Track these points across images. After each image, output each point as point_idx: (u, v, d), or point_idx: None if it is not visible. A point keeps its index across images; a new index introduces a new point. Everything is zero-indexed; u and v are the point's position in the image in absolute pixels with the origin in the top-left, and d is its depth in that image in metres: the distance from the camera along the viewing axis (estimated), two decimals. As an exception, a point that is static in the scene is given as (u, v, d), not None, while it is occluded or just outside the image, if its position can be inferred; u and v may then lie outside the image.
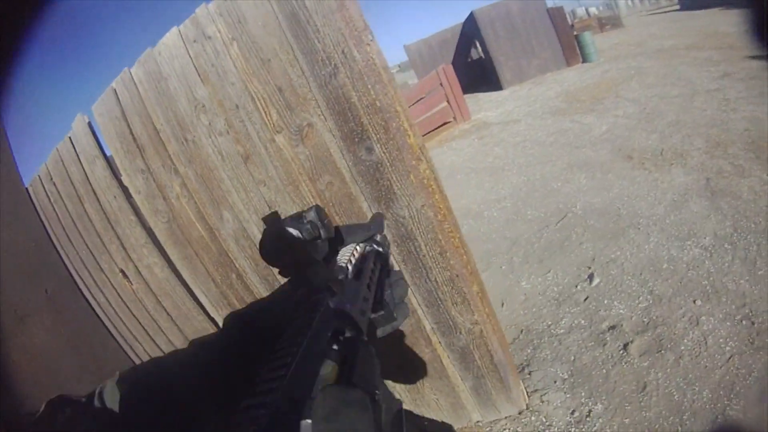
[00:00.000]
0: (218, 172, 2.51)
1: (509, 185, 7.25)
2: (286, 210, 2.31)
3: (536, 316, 4.27)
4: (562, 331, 3.95)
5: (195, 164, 2.59)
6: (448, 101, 13.12)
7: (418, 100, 13.44)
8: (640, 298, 3.89)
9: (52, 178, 4.16)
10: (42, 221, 4.53)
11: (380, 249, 1.13)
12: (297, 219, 0.94)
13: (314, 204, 0.99)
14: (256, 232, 2.39)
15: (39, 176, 4.27)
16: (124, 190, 3.18)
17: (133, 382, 0.85)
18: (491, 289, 4.72)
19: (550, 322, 4.12)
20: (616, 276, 4.30)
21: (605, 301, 4.03)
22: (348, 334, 0.73)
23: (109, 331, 4.75)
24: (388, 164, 2.24)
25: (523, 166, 7.76)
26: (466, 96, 16.88)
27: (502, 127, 10.81)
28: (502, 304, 4.68)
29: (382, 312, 0.97)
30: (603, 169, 6.58)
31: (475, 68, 17.93)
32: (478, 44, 17.28)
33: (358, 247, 1.06)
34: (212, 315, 3.36)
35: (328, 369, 0.62)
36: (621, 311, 3.84)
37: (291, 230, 0.91)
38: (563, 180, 6.65)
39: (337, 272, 0.87)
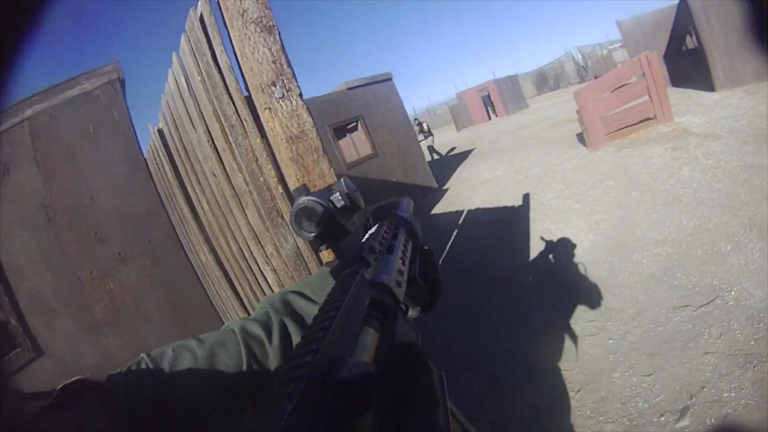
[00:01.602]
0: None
1: (677, 226, 6.56)
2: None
3: (594, 430, 3.85)
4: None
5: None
6: (650, 95, 11.86)
7: (617, 89, 12.44)
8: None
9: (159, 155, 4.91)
10: (155, 186, 5.55)
11: (410, 226, 1.14)
12: (325, 191, 0.93)
13: (343, 176, 0.99)
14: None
15: (151, 148, 5.28)
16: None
17: (152, 379, 0.84)
18: (584, 362, 4.69)
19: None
20: (707, 429, 3.46)
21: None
22: (385, 304, 0.71)
23: (201, 282, 5.61)
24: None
25: (702, 205, 6.90)
26: (676, 90, 15.57)
27: (701, 141, 9.76)
28: (578, 390, 4.32)
29: (417, 289, 0.98)
30: None
31: (689, 59, 16.04)
32: (693, 31, 15.01)
33: (388, 224, 1.09)
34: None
35: (369, 337, 0.61)
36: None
37: (319, 200, 0.89)
38: (735, 243, 5.57)
39: (370, 245, 0.90)
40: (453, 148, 27.64)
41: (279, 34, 2.09)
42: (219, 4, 2.09)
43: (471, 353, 5.47)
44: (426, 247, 1.20)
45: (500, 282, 7.08)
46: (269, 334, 0.98)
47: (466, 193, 13.82)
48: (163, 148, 4.66)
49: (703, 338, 4.30)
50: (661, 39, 17.69)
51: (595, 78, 18.76)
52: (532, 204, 10.17)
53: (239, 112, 2.45)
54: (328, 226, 0.88)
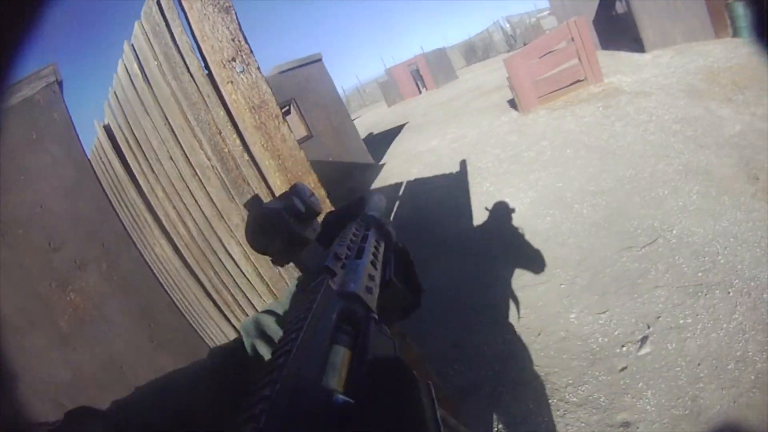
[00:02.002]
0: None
1: (614, 177, 6.85)
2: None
3: (561, 367, 4.01)
4: (574, 399, 3.66)
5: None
6: (579, 59, 12.23)
7: (546, 54, 12.73)
8: (679, 401, 3.26)
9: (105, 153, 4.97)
10: (102, 187, 5.52)
11: (380, 225, 1.11)
12: (279, 198, 0.91)
13: (297, 182, 0.97)
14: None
15: (96, 147, 5.32)
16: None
17: (150, 400, 0.89)
18: (540, 308, 4.86)
19: (570, 381, 3.83)
20: (670, 353, 3.64)
21: (639, 384, 3.52)
22: (356, 315, 0.68)
23: (159, 280, 5.62)
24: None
25: (636, 156, 7.21)
26: (607, 53, 16.13)
27: (632, 98, 10.12)
28: (539, 334, 4.50)
29: (395, 291, 0.96)
30: (720, 185, 5.63)
31: (618, 23, 16.51)
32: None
33: (356, 227, 1.04)
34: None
35: (339, 355, 0.57)
36: (648, 407, 3.33)
37: (273, 207, 0.86)
38: (672, 188, 5.90)
39: (336, 252, 0.83)
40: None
41: (236, 14, 2.18)
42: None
43: (429, 315, 5.51)
44: (401, 245, 1.19)
45: (446, 245, 7.26)
46: (243, 358, 0.99)
47: (404, 166, 14.06)
48: (110, 144, 4.65)
49: (650, 274, 4.57)
50: (589, 5, 18.13)
51: (524, 46, 19.09)
52: (470, 169, 10.40)
53: (201, 88, 2.49)
54: (287, 238, 0.85)
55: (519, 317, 4.84)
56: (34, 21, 0.75)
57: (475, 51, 47.44)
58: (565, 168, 7.86)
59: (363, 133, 23.57)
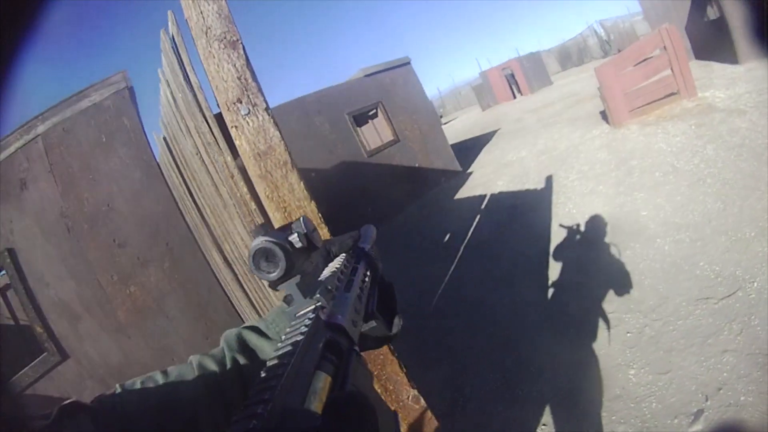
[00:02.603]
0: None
1: (701, 209, 6.31)
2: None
3: (607, 429, 3.73)
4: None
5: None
6: (672, 69, 11.48)
7: (638, 63, 12.12)
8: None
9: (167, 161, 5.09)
10: (171, 191, 5.66)
11: (370, 259, 1.16)
12: (284, 230, 0.91)
13: (302, 215, 0.96)
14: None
15: (161, 154, 5.49)
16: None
17: (141, 395, 0.93)
18: (600, 357, 4.53)
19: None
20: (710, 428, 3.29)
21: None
22: (340, 346, 0.73)
23: (219, 282, 5.70)
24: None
25: (727, 185, 6.60)
26: (700, 63, 15.08)
27: (725, 116, 9.39)
28: (594, 387, 4.20)
29: (374, 324, 0.99)
30: None
31: (711, 30, 15.22)
32: (713, 2, 14.32)
33: (347, 259, 1.09)
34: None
35: (321, 382, 0.62)
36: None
37: (278, 241, 0.85)
38: (760, 229, 5.22)
39: (327, 284, 0.89)
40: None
41: (243, 48, 2.09)
42: (187, 23, 2.08)
43: (488, 341, 5.45)
44: (386, 280, 1.23)
45: (521, 267, 7.03)
46: (223, 370, 1.01)
47: (490, 176, 13.65)
48: (169, 155, 4.74)
49: (723, 334, 4.09)
50: (681, 10, 16.94)
51: (619, 51, 18.43)
52: (555, 186, 10.05)
53: (212, 129, 2.47)
54: (286, 267, 0.85)
55: (577, 363, 4.57)
56: (35, 20, 0.77)
57: (569, 56, 46.47)
58: (652, 194, 7.40)
59: (455, 138, 23.49)
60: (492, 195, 11.79)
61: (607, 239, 6.72)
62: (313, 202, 2.23)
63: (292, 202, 2.17)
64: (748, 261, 4.85)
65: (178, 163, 4.37)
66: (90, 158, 5.58)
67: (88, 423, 0.82)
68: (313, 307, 0.79)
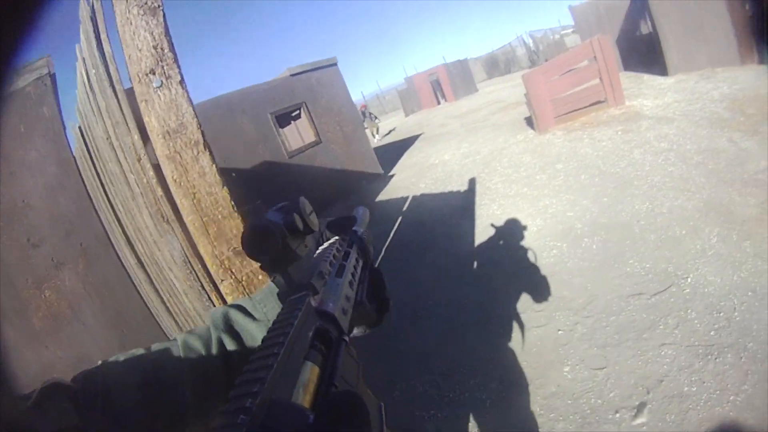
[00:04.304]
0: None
1: (629, 209, 6.37)
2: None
3: (546, 428, 3.61)
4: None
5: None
6: (601, 79, 11.70)
7: (567, 72, 12.30)
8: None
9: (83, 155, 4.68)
10: (86, 187, 5.21)
11: (362, 244, 1.16)
12: (281, 210, 0.89)
13: (300, 196, 0.94)
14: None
15: (77, 147, 5.03)
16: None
17: (123, 373, 0.90)
18: (533, 355, 4.46)
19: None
20: (668, 426, 3.22)
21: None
22: (330, 334, 0.73)
23: (134, 285, 5.29)
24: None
25: (655, 188, 6.69)
26: (629, 74, 15.62)
27: (653, 123, 9.60)
28: (527, 385, 4.10)
29: (362, 310, 0.97)
30: (742, 229, 5.05)
31: (642, 44, 15.65)
32: (648, 17, 14.54)
33: (340, 242, 1.09)
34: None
35: (309, 372, 0.61)
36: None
37: (275, 221, 0.83)
38: (691, 227, 5.37)
39: (320, 268, 0.89)
40: (393, 129, 30.88)
41: (164, 15, 1.85)
42: (108, -14, 1.84)
43: (416, 346, 5.28)
44: (376, 266, 1.20)
45: (445, 270, 6.89)
46: (208, 349, 0.99)
47: (412, 179, 13.71)
48: (83, 146, 4.41)
49: (658, 328, 4.08)
50: (614, 24, 17.62)
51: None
52: (479, 189, 10.01)
53: (122, 106, 2.21)
54: (282, 250, 0.82)
55: (508, 363, 4.44)
56: (33, 16, 0.76)
57: (497, 64, 47.02)
58: (578, 196, 7.43)
59: (378, 141, 23.64)
60: (414, 197, 11.74)
61: (532, 239, 6.70)
62: (225, 188, 2.02)
63: (203, 188, 1.96)
64: (680, 258, 4.93)
65: (92, 153, 4.05)
66: (9, 149, 5.17)
67: (68, 405, 0.79)
68: (304, 293, 0.76)
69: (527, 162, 10.42)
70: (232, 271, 1.98)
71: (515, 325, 4.90)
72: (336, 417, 0.52)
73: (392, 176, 15.34)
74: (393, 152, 19.33)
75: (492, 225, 7.62)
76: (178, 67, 1.85)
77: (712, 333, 3.81)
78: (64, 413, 0.78)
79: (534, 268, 5.80)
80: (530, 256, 6.10)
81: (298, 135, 14.34)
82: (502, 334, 4.85)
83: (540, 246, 6.31)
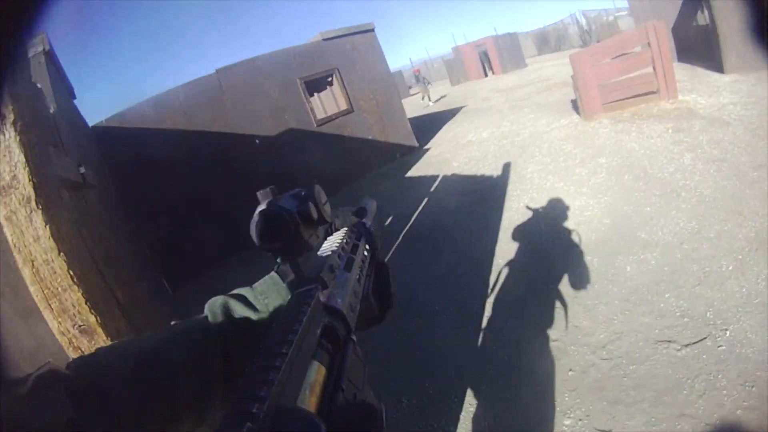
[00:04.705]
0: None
1: (672, 227, 5.53)
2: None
3: None
4: None
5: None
6: (654, 67, 10.71)
7: (618, 56, 11.38)
8: None
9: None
10: None
11: (371, 237, 1.12)
12: (296, 196, 0.87)
13: (315, 182, 0.92)
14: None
15: None
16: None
17: (118, 362, 0.85)
18: (534, 397, 3.84)
19: None
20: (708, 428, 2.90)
21: None
22: (337, 332, 0.69)
23: None
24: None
25: (704, 204, 5.83)
26: (683, 66, 14.53)
27: (706, 125, 8.62)
28: None
29: (367, 306, 0.93)
30: None
31: (698, 36, 14.47)
32: (706, 7, 13.37)
33: (349, 234, 1.04)
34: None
35: (315, 373, 0.58)
36: None
37: (289, 208, 0.81)
38: (738, 264, 4.48)
39: (329, 261, 0.82)
40: (445, 95, 30.28)
41: None
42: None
43: (408, 358, 4.81)
44: (383, 261, 1.14)
45: (461, 268, 6.32)
46: (206, 341, 0.90)
47: (447, 155, 13.01)
48: None
49: (682, 393, 3.36)
50: (669, 11, 16.36)
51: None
52: (512, 176, 9.32)
53: None
54: (293, 239, 0.81)
55: (506, 402, 3.81)
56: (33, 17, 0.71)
57: (547, 41, 45.86)
58: (619, 200, 6.65)
59: (419, 111, 23.49)
60: (444, 177, 11.08)
61: (561, 247, 5.98)
62: (62, 254, 1.62)
63: (39, 255, 1.61)
64: (722, 301, 4.12)
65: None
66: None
67: (63, 395, 0.72)
68: (314, 286, 0.71)
69: (568, 151, 9.63)
70: (81, 351, 1.67)
71: (523, 355, 4.28)
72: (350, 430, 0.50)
73: (427, 150, 14.69)
74: (432, 123, 18.59)
75: (518, 224, 6.96)
76: (11, 101, 1.52)
77: (739, 412, 3.11)
78: (59, 404, 0.70)
79: (556, 284, 5.10)
80: (556, 269, 5.39)
81: (329, 102, 13.80)
82: (507, 362, 4.25)
83: (569, 257, 5.63)
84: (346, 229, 1.05)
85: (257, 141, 11.44)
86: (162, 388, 0.82)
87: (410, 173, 12.58)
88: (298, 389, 0.51)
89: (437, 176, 11.22)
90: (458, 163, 11.68)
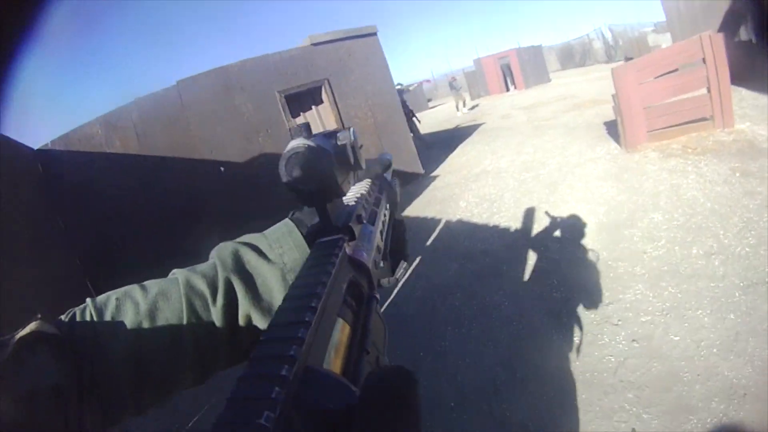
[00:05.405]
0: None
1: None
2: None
3: None
4: None
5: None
6: (708, 89, 8.49)
7: (667, 73, 9.13)
8: None
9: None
10: None
11: (392, 192, 1.13)
12: (329, 136, 0.79)
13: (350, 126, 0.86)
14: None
15: None
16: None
17: (115, 315, 0.80)
18: None
19: None
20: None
21: None
22: (361, 289, 0.68)
23: None
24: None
25: None
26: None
27: None
28: None
29: (383, 264, 0.91)
30: None
31: (742, 52, 12.46)
32: (749, 21, 11.74)
33: (371, 186, 1.03)
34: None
35: (340, 331, 0.56)
36: None
37: (323, 146, 0.72)
38: None
39: (356, 211, 0.82)
40: (477, 104, 29.65)
41: None
42: None
43: None
44: (400, 218, 1.16)
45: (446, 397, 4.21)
46: (214, 292, 0.83)
47: (455, 189, 10.82)
48: None
49: None
50: (709, 25, 13.88)
51: (626, 60, 16.25)
52: (536, 228, 7.09)
53: None
54: (326, 182, 0.72)
55: None
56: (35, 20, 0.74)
57: (572, 55, 44.90)
58: (690, 295, 4.40)
59: (434, 127, 21.97)
60: (447, 223, 8.83)
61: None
62: None
63: None
64: None
65: None
66: None
67: (50, 359, 0.69)
68: (340, 236, 0.70)
69: (610, 197, 7.34)
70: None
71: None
72: (386, 402, 0.42)
73: (434, 178, 12.53)
74: (444, 143, 16.56)
75: (545, 328, 4.70)
76: None
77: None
78: (42, 370, 0.67)
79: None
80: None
81: (315, 121, 11.41)
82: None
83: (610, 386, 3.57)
84: (369, 180, 1.02)
85: (222, 169, 9.41)
86: (160, 346, 0.78)
87: (408, 211, 10.34)
88: (324, 350, 0.48)
89: (439, 221, 8.98)
90: (467, 203, 9.45)
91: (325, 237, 0.69)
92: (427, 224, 8.99)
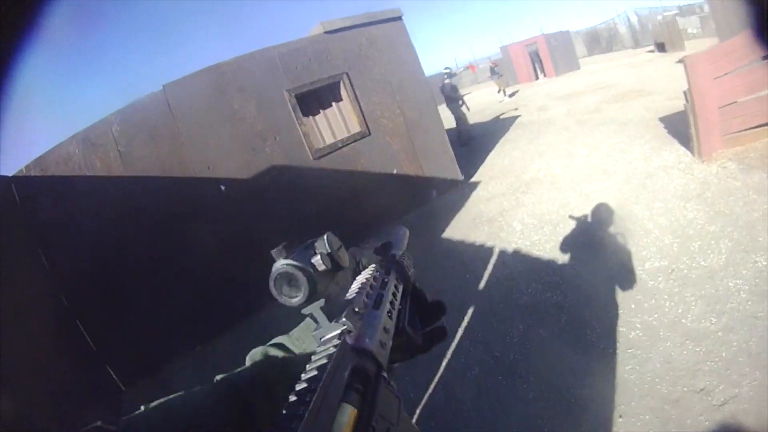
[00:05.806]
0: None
1: None
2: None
3: None
4: None
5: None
6: None
7: (742, 67, 7.32)
8: None
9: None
10: None
11: (401, 269, 1.12)
12: (307, 248, 0.87)
13: (326, 232, 0.93)
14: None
15: None
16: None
17: (165, 418, 0.89)
18: None
19: None
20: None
21: None
22: (367, 372, 0.70)
23: None
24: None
25: None
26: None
27: None
28: None
29: (405, 339, 0.96)
30: None
31: None
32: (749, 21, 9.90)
33: (376, 269, 1.06)
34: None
35: (346, 415, 0.58)
36: None
37: (299, 265, 0.81)
38: None
39: (354, 304, 0.84)
40: (517, 90, 28.87)
41: None
42: None
43: None
44: (418, 287, 1.16)
45: None
46: (252, 390, 0.97)
47: (503, 203, 8.96)
48: None
49: None
50: (750, 11, 12.73)
51: (657, 45, 17.62)
52: (621, 274, 5.34)
53: None
54: (309, 291, 0.80)
55: None
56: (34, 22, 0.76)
57: (598, 41, 43.50)
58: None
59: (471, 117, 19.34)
60: (501, 254, 6.98)
61: None
62: None
63: None
64: None
65: None
66: None
67: None
68: (338, 331, 0.74)
69: (699, 226, 5.64)
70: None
71: None
72: None
73: (475, 185, 10.70)
74: (481, 141, 14.92)
75: None
76: None
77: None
78: None
79: None
80: None
81: (333, 123, 9.67)
82: None
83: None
84: (374, 266, 1.06)
85: (222, 187, 7.90)
86: None
87: (449, 231, 8.59)
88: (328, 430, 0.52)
89: (490, 251, 7.17)
90: (523, 226, 7.63)
91: (326, 334, 0.72)
92: (475, 254, 7.29)
